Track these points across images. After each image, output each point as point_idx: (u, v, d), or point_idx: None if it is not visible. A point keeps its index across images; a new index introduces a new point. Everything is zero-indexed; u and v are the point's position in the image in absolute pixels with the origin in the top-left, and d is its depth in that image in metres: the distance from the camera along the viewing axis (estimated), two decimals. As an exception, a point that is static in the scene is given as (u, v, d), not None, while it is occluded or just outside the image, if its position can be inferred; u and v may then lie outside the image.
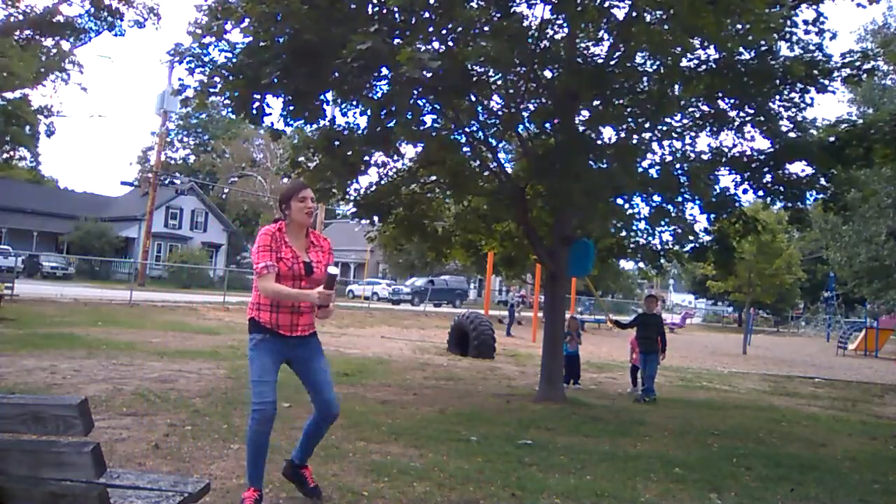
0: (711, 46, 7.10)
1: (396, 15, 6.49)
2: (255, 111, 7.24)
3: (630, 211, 8.60)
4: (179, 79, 7.49)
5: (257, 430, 3.33)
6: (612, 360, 14.75)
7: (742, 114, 7.88)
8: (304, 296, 3.34)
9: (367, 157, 8.27)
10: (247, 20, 6.52)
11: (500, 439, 5.51)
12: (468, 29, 6.21)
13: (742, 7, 5.79)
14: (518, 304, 23.49)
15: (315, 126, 8.02)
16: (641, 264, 10.42)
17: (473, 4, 6.54)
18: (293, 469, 3.60)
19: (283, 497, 3.64)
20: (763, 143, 8.11)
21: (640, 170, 7.67)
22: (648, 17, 6.69)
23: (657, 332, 9.03)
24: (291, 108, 7.31)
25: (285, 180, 37.32)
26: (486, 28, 6.27)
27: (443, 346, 14.52)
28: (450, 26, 6.36)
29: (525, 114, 7.85)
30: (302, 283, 3.39)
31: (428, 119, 7.76)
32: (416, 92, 6.74)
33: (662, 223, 8.69)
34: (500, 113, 8.00)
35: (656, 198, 8.35)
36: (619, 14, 6.96)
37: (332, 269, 3.34)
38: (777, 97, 7.78)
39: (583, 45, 8.01)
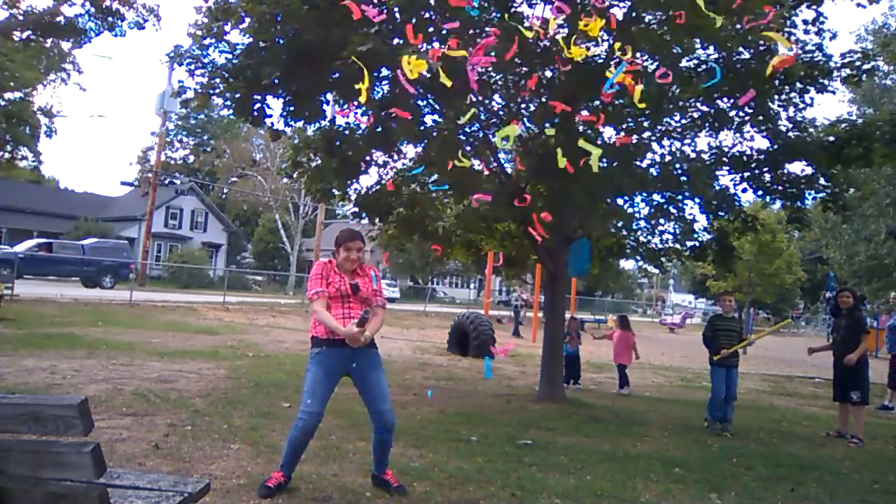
0: (711, 46, 7.10)
1: (397, 15, 6.49)
2: (255, 112, 7.24)
3: (630, 210, 8.60)
4: (179, 81, 7.50)
5: (298, 436, 3.72)
6: (612, 360, 14.72)
7: (741, 113, 7.89)
8: (339, 329, 3.69)
9: (367, 157, 8.27)
10: (247, 20, 6.52)
11: (500, 439, 5.51)
12: (468, 29, 6.21)
13: (742, 7, 5.79)
14: (521, 305, 23.45)
15: (316, 126, 8.02)
16: (642, 263, 10.40)
17: (474, 4, 6.54)
18: (375, 478, 3.94)
19: (282, 497, 3.65)
20: (762, 143, 8.13)
21: (640, 169, 7.68)
22: (648, 18, 6.70)
23: (739, 338, 7.09)
24: (291, 108, 7.31)
25: (285, 180, 37.32)
26: (486, 28, 6.27)
27: (443, 346, 14.52)
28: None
29: (526, 113, 7.84)
30: (350, 299, 3.84)
31: (428, 119, 7.76)
32: (416, 92, 6.74)
33: (662, 222, 8.69)
34: (500, 113, 8.00)
35: (656, 197, 8.35)
36: (619, 14, 6.96)
37: (366, 314, 3.70)
38: (776, 97, 7.79)
39: (583, 45, 8.01)
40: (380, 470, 3.92)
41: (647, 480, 4.55)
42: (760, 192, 8.36)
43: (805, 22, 7.59)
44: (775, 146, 7.83)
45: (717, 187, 8.22)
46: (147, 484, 2.32)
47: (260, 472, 4.00)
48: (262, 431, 5.09)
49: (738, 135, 8.16)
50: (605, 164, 7.41)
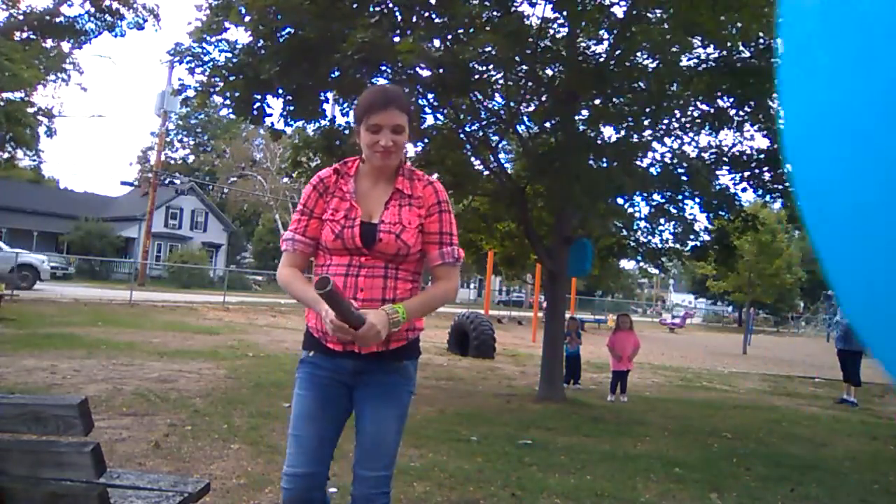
0: (711, 45, 7.10)
1: (397, 13, 6.49)
2: (255, 111, 7.24)
3: (630, 210, 8.61)
4: (179, 79, 7.51)
5: None
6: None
7: (741, 112, 7.88)
8: (321, 311, 1.95)
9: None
10: (247, 17, 6.53)
11: (500, 439, 5.50)
12: (468, 26, 6.21)
13: (741, 3, 5.79)
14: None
15: (316, 125, 8.02)
16: (642, 263, 10.40)
17: (475, 2, 6.54)
18: None
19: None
20: (762, 142, 8.12)
21: (640, 169, 7.67)
22: (648, 16, 6.70)
23: None
24: (291, 108, 7.31)
25: (285, 180, 37.30)
26: (486, 27, 6.27)
27: (443, 346, 14.51)
28: (451, 23, 6.36)
29: (525, 112, 7.84)
30: (363, 254, 2.04)
31: (429, 118, 7.77)
32: (417, 90, 6.75)
33: (663, 222, 8.69)
34: (500, 112, 8.00)
35: (657, 196, 8.35)
36: (619, 12, 6.97)
37: (325, 284, 1.77)
38: (776, 95, 7.78)
39: (583, 43, 8.02)
40: None
41: (647, 480, 4.55)
42: (760, 192, 8.36)
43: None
44: (775, 145, 7.83)
45: (717, 187, 8.22)
46: (147, 484, 2.31)
47: (260, 471, 3.99)
48: (262, 431, 5.08)
49: (738, 134, 8.16)
50: (606, 164, 7.42)
